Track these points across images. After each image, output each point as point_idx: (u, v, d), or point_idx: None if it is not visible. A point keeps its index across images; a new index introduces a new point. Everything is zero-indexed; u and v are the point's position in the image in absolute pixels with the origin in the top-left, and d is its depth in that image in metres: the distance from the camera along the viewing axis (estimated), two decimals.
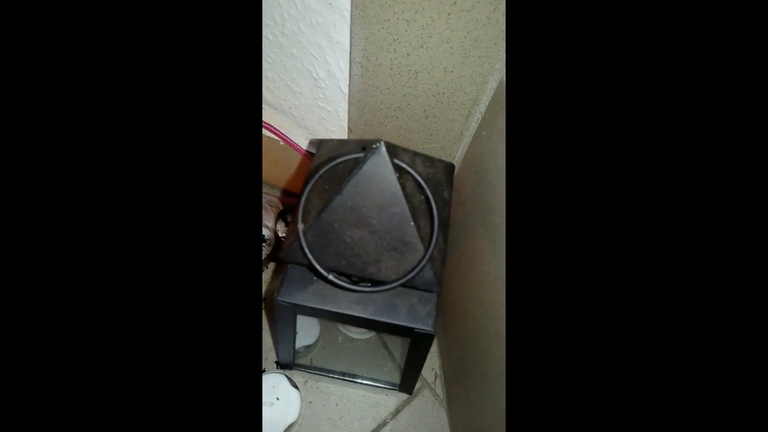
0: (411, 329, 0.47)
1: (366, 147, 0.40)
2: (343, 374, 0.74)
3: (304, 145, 0.73)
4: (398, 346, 0.74)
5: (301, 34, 0.57)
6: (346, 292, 0.47)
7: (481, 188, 0.53)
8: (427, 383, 0.75)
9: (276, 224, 0.79)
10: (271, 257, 0.79)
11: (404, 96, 0.57)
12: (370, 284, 0.45)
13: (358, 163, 0.39)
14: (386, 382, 0.73)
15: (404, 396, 0.73)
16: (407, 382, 0.69)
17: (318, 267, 0.42)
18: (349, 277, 0.46)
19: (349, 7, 0.51)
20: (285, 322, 0.54)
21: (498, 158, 0.47)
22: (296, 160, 0.76)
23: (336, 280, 0.43)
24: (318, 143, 0.53)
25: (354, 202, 0.40)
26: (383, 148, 0.38)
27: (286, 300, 0.47)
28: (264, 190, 0.83)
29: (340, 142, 0.49)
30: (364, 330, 0.72)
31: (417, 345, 0.52)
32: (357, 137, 0.67)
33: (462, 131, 0.59)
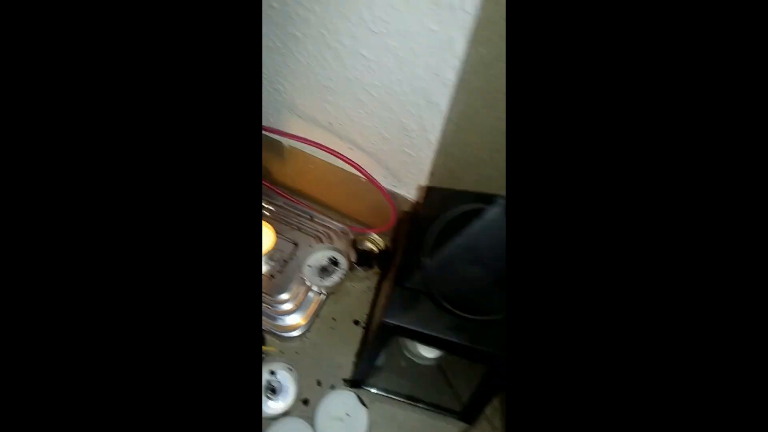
0: (495, 356, 0.55)
1: (486, 200, 0.50)
2: (406, 397, 0.78)
3: (384, 183, 0.83)
4: (458, 376, 0.77)
5: (403, 95, 0.67)
6: (442, 320, 0.55)
7: None
8: (485, 414, 0.77)
9: (348, 250, 0.88)
10: (342, 281, 0.86)
11: (490, 151, 0.67)
12: (477, 312, 0.53)
13: (479, 212, 0.49)
14: (447, 409, 0.77)
15: (464, 425, 0.76)
16: (470, 411, 0.74)
17: (436, 294, 0.52)
18: (459, 306, 0.54)
19: (453, 79, 0.61)
20: (380, 342, 0.63)
21: None
22: (373, 195, 0.85)
23: (449, 307, 0.52)
24: (427, 189, 0.62)
25: (473, 244, 0.50)
26: (503, 203, 0.48)
27: (392, 321, 0.56)
28: (339, 219, 0.92)
29: (453, 191, 0.59)
30: (428, 354, 0.77)
31: (495, 374, 0.59)
32: (438, 181, 0.77)
33: None
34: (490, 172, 0.70)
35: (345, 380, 0.78)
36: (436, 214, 0.54)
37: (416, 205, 0.82)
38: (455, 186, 0.75)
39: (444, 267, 0.51)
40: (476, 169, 0.70)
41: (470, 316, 0.52)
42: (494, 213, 0.48)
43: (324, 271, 0.84)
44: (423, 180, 0.79)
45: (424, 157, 0.75)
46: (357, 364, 0.78)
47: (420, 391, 0.78)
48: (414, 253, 0.55)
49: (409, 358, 0.79)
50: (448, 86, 0.63)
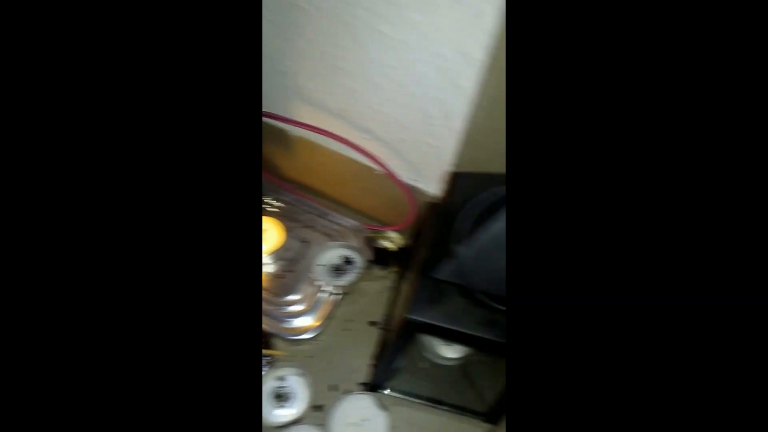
0: None
1: None
2: (428, 399, 0.75)
3: (404, 177, 0.77)
4: (482, 375, 0.75)
5: (425, 76, 0.61)
6: (471, 315, 0.50)
7: None
8: None
9: (362, 248, 0.82)
10: (357, 281, 0.81)
11: None
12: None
13: None
14: (470, 411, 0.75)
15: (489, 426, 0.74)
16: (495, 412, 0.71)
17: (471, 285, 0.46)
18: (493, 297, 0.49)
19: (482, 58, 0.55)
20: (403, 341, 0.57)
21: None
22: (390, 190, 0.80)
23: (486, 300, 0.47)
24: (454, 175, 0.57)
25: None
26: None
27: (418, 318, 0.50)
28: (353, 216, 0.86)
29: (485, 174, 0.54)
30: (450, 354, 0.73)
31: None
32: (463, 170, 0.71)
33: None
34: None
35: (361, 384, 0.75)
36: (467, 199, 0.49)
37: (443, 192, 0.77)
38: None
39: (479, 256, 0.46)
40: (500, 158, 0.64)
41: (499, 309, 0.47)
42: None
43: (337, 270, 0.80)
44: (443, 173, 0.73)
45: (447, 147, 0.69)
46: (375, 367, 0.74)
47: (441, 392, 0.75)
48: (442, 242, 0.49)
49: (429, 359, 0.76)
50: (477, 67, 0.56)
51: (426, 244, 0.55)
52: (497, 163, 0.65)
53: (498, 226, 0.45)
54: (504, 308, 0.48)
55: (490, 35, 0.52)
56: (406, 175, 0.76)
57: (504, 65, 0.54)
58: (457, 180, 0.57)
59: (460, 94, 0.60)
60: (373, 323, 0.81)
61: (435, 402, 0.75)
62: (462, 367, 0.77)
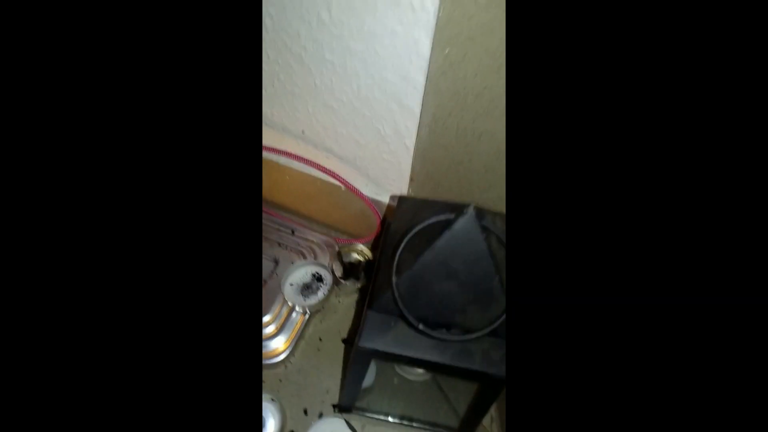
0: (485, 374, 0.52)
1: (456, 209, 0.46)
2: (401, 417, 0.75)
3: (365, 191, 0.79)
4: (454, 389, 0.74)
5: (374, 99, 0.64)
6: (422, 339, 0.52)
7: None
8: (483, 426, 0.75)
9: (332, 264, 0.84)
10: (328, 297, 0.83)
11: (467, 153, 0.63)
12: (456, 331, 0.50)
13: (449, 223, 0.45)
14: (444, 426, 0.74)
15: None
16: (467, 427, 0.70)
17: (407, 315, 0.48)
18: (434, 325, 0.51)
19: (422, 81, 0.58)
20: (360, 367, 0.59)
21: None
22: (356, 204, 0.82)
23: (422, 328, 0.49)
24: (398, 199, 0.59)
25: (444, 257, 0.46)
26: (473, 212, 0.45)
27: (368, 346, 0.52)
28: (322, 231, 0.88)
29: (424, 201, 0.55)
30: (421, 371, 0.74)
31: (487, 390, 0.57)
32: (419, 186, 0.73)
33: None
34: (468, 176, 0.67)
35: (334, 406, 0.74)
36: (406, 227, 0.51)
37: (387, 218, 0.79)
38: (435, 191, 0.72)
39: (415, 285, 0.48)
40: (454, 173, 0.67)
41: (447, 338, 0.49)
42: (464, 223, 0.45)
43: (308, 289, 0.80)
44: (404, 186, 0.76)
45: (404, 163, 0.72)
46: (342, 389, 0.74)
47: (415, 409, 0.75)
48: (385, 271, 0.51)
49: (402, 376, 0.75)
50: (418, 89, 0.59)
51: (372, 272, 0.55)
52: (447, 178, 0.68)
53: (430, 255, 0.46)
54: (446, 337, 0.49)
55: (426, 60, 0.55)
56: (368, 190, 0.79)
57: (440, 87, 0.56)
58: (400, 205, 0.58)
59: (407, 114, 0.63)
60: (345, 341, 0.79)
61: (408, 419, 0.75)
62: (435, 381, 0.76)
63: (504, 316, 0.47)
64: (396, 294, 0.48)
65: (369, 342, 0.52)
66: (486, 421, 0.75)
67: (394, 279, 0.48)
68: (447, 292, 0.47)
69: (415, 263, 0.47)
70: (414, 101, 0.61)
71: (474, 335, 0.48)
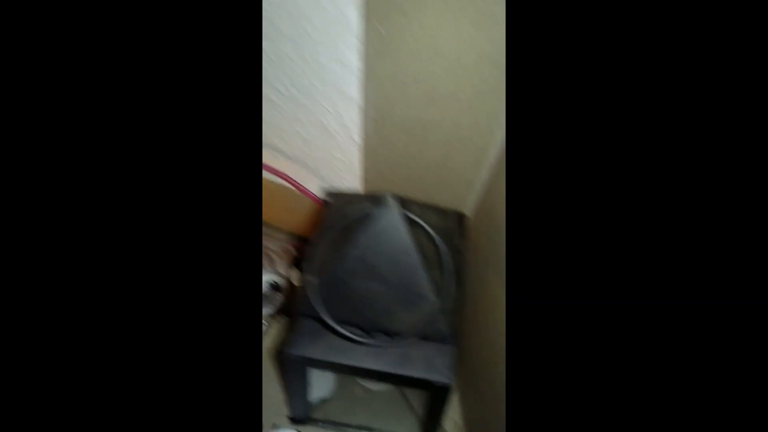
0: (428, 381, 0.46)
1: (377, 201, 0.40)
2: (360, 428, 0.71)
3: (318, 192, 0.74)
4: (418, 398, 0.71)
5: (313, 89, 0.59)
6: (360, 345, 0.47)
7: (494, 235, 0.53)
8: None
9: (290, 271, 0.79)
10: (286, 306, 0.78)
11: (416, 147, 0.58)
12: (383, 336, 0.44)
13: (368, 217, 0.40)
14: None
15: None
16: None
17: (329, 320, 0.42)
18: (362, 329, 0.45)
19: (358, 64, 0.53)
20: (296, 375, 0.53)
21: None
22: (311, 207, 0.77)
23: (347, 333, 0.43)
24: (333, 195, 0.54)
25: (365, 254, 0.40)
26: (392, 201, 0.39)
27: (297, 353, 0.47)
28: (278, 236, 0.83)
29: (352, 195, 0.50)
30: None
31: (435, 397, 0.51)
32: (372, 187, 0.67)
33: (473, 180, 0.60)
34: (421, 173, 0.61)
35: (289, 417, 0.70)
36: (331, 224, 0.45)
37: (318, 216, 0.74)
38: (390, 191, 0.67)
39: (336, 286, 0.42)
40: (404, 169, 0.61)
41: (370, 342, 0.43)
42: (385, 215, 0.39)
43: (264, 299, 0.76)
44: (358, 186, 0.70)
45: (355, 161, 0.67)
46: (289, 400, 0.69)
47: (378, 420, 0.71)
48: (309, 273, 0.45)
49: (365, 387, 0.73)
50: (356, 73, 0.54)
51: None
52: (398, 174, 0.63)
53: (352, 252, 0.41)
54: (365, 341, 0.44)
55: (361, 39, 0.50)
56: (322, 191, 0.74)
57: (378, 72, 0.51)
58: (331, 201, 0.53)
59: (351, 104, 0.58)
60: None
61: (368, 430, 0.71)
62: (400, 391, 0.74)
63: (432, 316, 0.41)
64: (315, 296, 0.42)
65: (298, 349, 0.47)
66: (450, 428, 0.72)
67: (311, 279, 0.42)
68: (370, 293, 0.41)
69: (334, 263, 0.41)
70: (353, 89, 0.56)
71: (401, 340, 0.42)
